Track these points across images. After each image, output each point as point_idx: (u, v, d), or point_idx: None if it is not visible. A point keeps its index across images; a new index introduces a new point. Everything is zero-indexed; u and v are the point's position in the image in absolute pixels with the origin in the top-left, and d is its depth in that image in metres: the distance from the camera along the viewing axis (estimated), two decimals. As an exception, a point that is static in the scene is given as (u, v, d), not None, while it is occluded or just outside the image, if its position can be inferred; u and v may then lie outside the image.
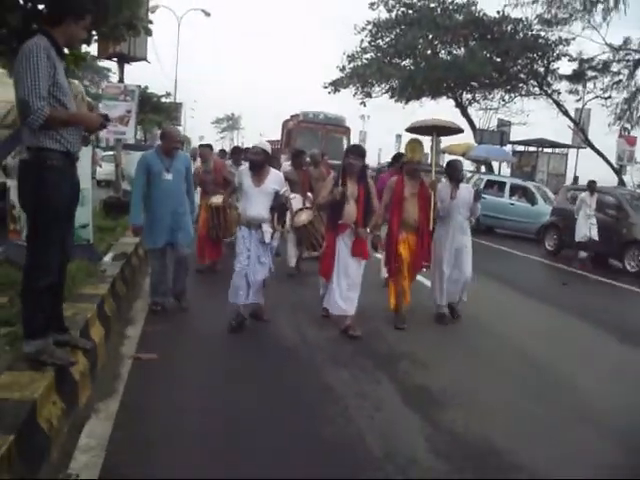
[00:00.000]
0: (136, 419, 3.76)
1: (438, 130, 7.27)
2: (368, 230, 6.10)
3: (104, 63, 22.69)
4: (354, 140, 24.14)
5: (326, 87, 31.45)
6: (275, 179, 5.90)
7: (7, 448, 2.53)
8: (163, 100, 28.06)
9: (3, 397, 2.99)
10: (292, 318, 6.49)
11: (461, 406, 4.43)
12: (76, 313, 4.40)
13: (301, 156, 9.20)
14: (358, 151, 6.09)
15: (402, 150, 9.32)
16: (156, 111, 25.18)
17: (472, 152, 22.56)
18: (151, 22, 8.08)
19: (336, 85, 31.07)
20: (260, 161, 5.77)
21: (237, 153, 10.44)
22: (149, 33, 8.38)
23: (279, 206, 5.90)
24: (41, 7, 6.34)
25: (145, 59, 13.01)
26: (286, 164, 9.83)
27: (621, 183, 24.16)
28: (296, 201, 8.33)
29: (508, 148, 27.97)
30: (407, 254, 6.44)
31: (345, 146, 19.48)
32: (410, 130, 7.38)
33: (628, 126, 24.54)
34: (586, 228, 12.14)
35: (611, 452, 3.94)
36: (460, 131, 7.77)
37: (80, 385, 3.78)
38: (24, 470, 2.68)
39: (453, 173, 6.93)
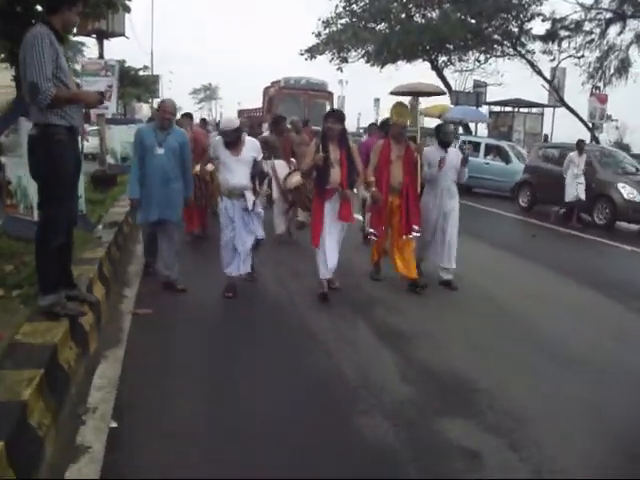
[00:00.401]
0: (140, 362, 4.25)
1: (420, 93, 7.45)
2: (355, 191, 6.24)
3: (78, 38, 22.53)
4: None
5: (302, 54, 31.55)
6: (252, 147, 5.94)
7: (39, 380, 3.01)
8: (141, 73, 28.14)
9: (28, 342, 3.46)
10: (277, 275, 6.92)
11: (431, 344, 4.98)
12: (80, 274, 4.83)
13: (281, 122, 9.25)
14: (336, 115, 6.11)
15: (381, 113, 9.99)
16: (134, 85, 25.28)
17: (448, 114, 22.84)
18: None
19: (312, 52, 31.16)
20: (235, 139, 5.79)
21: (202, 122, 10.90)
22: (127, 10, 8.69)
23: (259, 173, 6.02)
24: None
25: (123, 34, 13.21)
26: (267, 132, 9.92)
27: (595, 140, 24.75)
28: (281, 166, 8.51)
29: (484, 109, 28.35)
30: (391, 218, 6.59)
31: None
32: (394, 93, 7.47)
33: (600, 84, 25.03)
34: (574, 188, 12.43)
35: (555, 372, 4.53)
36: (442, 93, 8.09)
37: (89, 335, 4.27)
38: (53, 399, 3.17)
39: (444, 137, 6.94)
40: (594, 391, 4.23)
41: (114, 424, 3.38)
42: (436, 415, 3.71)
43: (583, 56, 26.31)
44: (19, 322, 3.90)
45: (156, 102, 37.17)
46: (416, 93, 7.38)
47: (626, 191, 12.55)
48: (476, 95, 27.76)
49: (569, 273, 7.88)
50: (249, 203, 5.80)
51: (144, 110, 43.97)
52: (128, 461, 3.04)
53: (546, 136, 28.24)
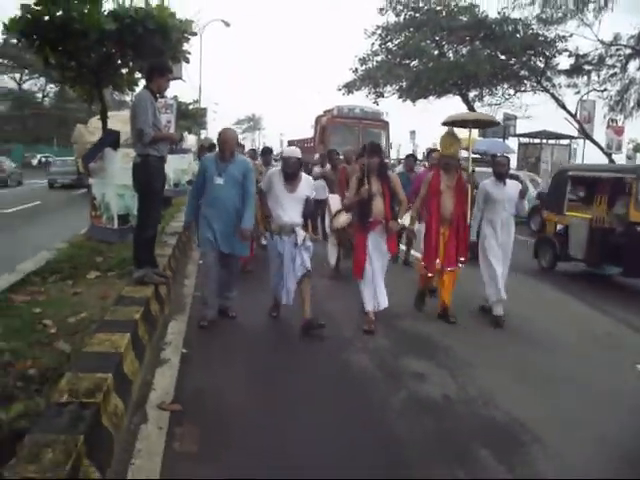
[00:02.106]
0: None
1: (473, 123, 7.35)
2: (399, 221, 6.25)
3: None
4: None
5: (340, 89, 33.69)
6: (307, 184, 5.94)
7: (142, 311, 4.83)
8: (190, 107, 30.66)
9: (130, 296, 5.30)
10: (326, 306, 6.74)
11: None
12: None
13: (334, 155, 9.22)
14: (373, 148, 6.13)
15: (418, 144, 10.85)
16: (185, 117, 27.65)
17: (474, 146, 24.44)
18: (189, 53, 10.29)
19: (349, 87, 33.31)
20: (297, 172, 5.83)
21: (268, 154, 10.27)
22: (187, 61, 10.61)
23: (310, 212, 6.10)
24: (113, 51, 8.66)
25: (181, 78, 15.40)
26: (316, 168, 10.29)
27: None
28: (335, 201, 8.29)
29: (513, 141, 29.81)
30: (444, 249, 6.56)
31: (384, 141, 20.02)
32: (446, 124, 7.30)
33: (617, 117, 26.37)
34: None
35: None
36: (496, 123, 8.04)
37: (165, 299, 6.10)
38: (148, 326, 4.98)
39: (498, 168, 6.82)
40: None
41: (184, 350, 5.16)
42: (405, 356, 5.35)
43: (606, 90, 27.74)
44: (120, 287, 5.76)
45: (203, 133, 39.91)
46: (468, 123, 7.25)
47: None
48: (503, 128, 29.25)
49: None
50: (299, 239, 5.80)
51: (189, 140, 46.86)
52: (194, 369, 4.80)
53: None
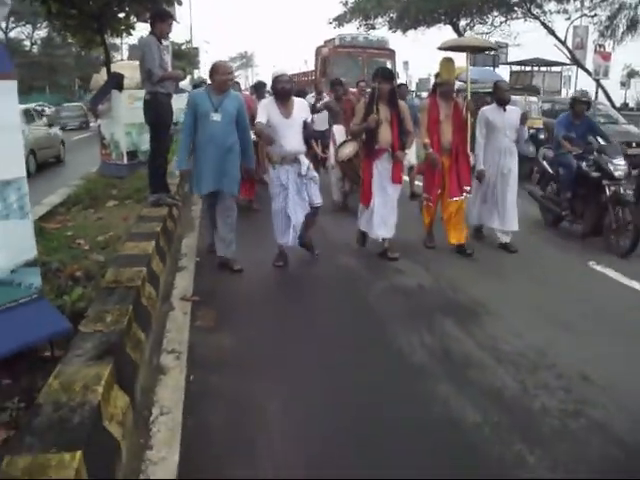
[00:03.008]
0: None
1: (470, 48, 7.15)
2: (406, 152, 6.14)
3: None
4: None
5: (331, 22, 33.64)
6: (302, 107, 5.73)
7: (162, 226, 5.70)
8: (183, 47, 30.88)
9: (149, 215, 6.17)
10: (332, 248, 6.67)
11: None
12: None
13: (339, 85, 8.88)
14: (385, 74, 5.91)
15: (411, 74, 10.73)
16: (178, 58, 27.91)
17: (463, 74, 24.78)
18: (183, -4, 10.81)
19: (340, 20, 33.26)
20: (290, 89, 5.60)
21: (261, 87, 10.03)
22: (180, 3, 11.19)
23: (314, 133, 5.85)
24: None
25: (175, 20, 15.68)
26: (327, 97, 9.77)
27: (607, 97, 26.50)
28: (339, 132, 8.20)
29: (505, 69, 30.06)
30: (443, 179, 6.45)
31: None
32: (442, 49, 7.13)
33: (604, 43, 26.59)
34: None
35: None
36: (493, 48, 8.35)
37: (177, 219, 6.99)
38: (167, 239, 5.86)
39: (500, 94, 6.66)
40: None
41: (198, 259, 6.06)
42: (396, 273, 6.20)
43: (596, 15, 27.83)
44: (138, 210, 6.62)
45: (196, 72, 40.00)
46: (465, 48, 7.00)
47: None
48: (493, 56, 29.42)
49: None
50: (303, 167, 5.57)
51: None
52: (207, 272, 5.69)
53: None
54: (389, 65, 18.77)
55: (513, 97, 12.01)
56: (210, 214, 5.97)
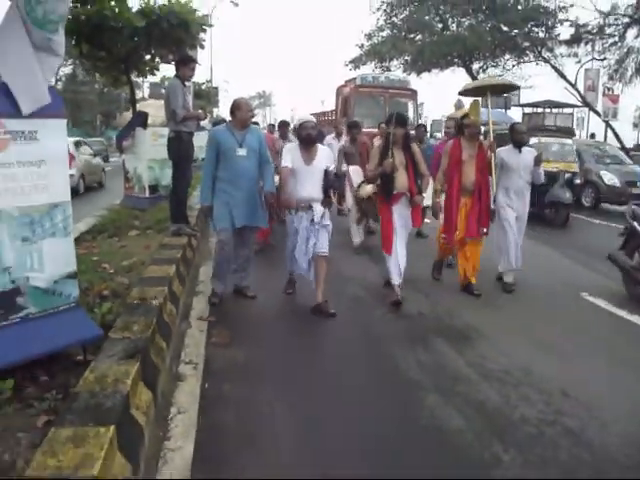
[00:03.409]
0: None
1: (492, 89, 7.08)
2: (424, 195, 6.13)
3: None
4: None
5: (347, 65, 34.53)
6: (325, 155, 5.70)
7: (182, 253, 6.19)
8: (203, 87, 31.95)
9: (170, 243, 6.67)
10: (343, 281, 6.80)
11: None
12: (186, 221, 8.05)
13: (356, 127, 8.91)
14: (399, 119, 5.93)
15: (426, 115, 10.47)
16: (198, 97, 28.91)
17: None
18: (204, 40, 11.54)
19: (356, 62, 34.01)
20: (315, 136, 5.62)
21: (285, 126, 10.17)
22: (202, 47, 11.90)
23: (332, 182, 5.74)
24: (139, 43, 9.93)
25: (197, 62, 16.56)
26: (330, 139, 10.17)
27: (616, 137, 26.97)
28: (356, 173, 8.20)
29: (517, 110, 30.70)
30: (463, 222, 6.46)
31: (412, 113, 18.66)
32: (463, 93, 7.24)
33: (613, 86, 27.20)
34: None
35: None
36: (516, 87, 8.14)
37: (196, 249, 7.47)
38: (186, 266, 6.33)
39: (516, 136, 6.79)
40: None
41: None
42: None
43: (605, 58, 28.48)
44: (159, 239, 7.13)
45: (216, 111, 41.17)
46: (486, 89, 7.00)
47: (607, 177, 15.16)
48: (504, 98, 30.10)
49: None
50: (316, 215, 5.56)
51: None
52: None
53: (593, 135, 30.33)
54: (411, 106, 18.77)
55: (547, 139, 13.09)
56: (229, 252, 5.76)
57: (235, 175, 5.52)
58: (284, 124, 10.41)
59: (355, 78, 19.40)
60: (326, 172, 5.58)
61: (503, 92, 8.80)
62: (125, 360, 3.34)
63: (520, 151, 6.74)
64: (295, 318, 5.71)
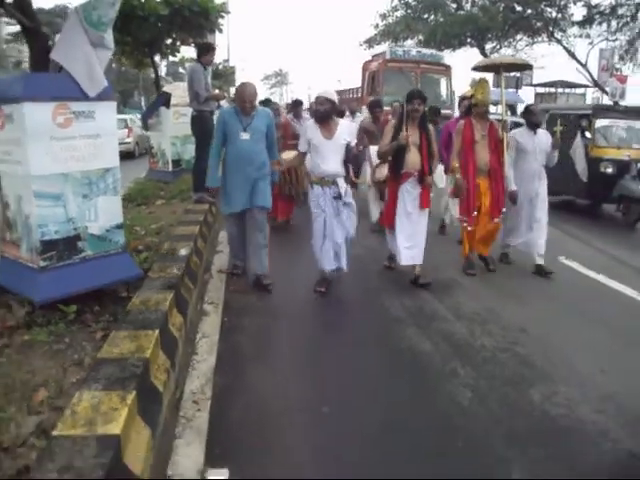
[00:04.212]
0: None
1: (505, 67, 6.88)
2: (433, 176, 6.03)
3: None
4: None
5: (361, 45, 35.07)
6: (345, 129, 5.55)
7: (203, 217, 7.10)
8: (220, 67, 32.70)
9: (194, 209, 7.60)
10: (366, 265, 6.84)
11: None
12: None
13: (378, 106, 8.74)
14: (422, 96, 5.73)
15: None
16: (216, 77, 29.68)
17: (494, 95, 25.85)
18: (222, 25, 12.35)
19: (370, 42, 34.56)
20: (326, 111, 5.44)
21: (298, 106, 10.20)
22: (221, 31, 12.72)
23: (353, 158, 5.63)
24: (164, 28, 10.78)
25: (215, 44, 17.43)
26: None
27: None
28: (375, 153, 7.61)
29: (525, 91, 31.21)
30: (480, 201, 6.36)
31: (446, 90, 17.63)
32: (477, 69, 7.05)
33: (621, 67, 27.58)
34: None
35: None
36: (529, 66, 7.54)
37: (214, 215, 8.39)
38: (207, 228, 7.25)
39: (533, 118, 6.65)
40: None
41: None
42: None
43: (616, 39, 28.81)
44: (183, 206, 8.06)
45: (232, 90, 41.87)
46: (500, 67, 6.87)
47: None
48: (515, 78, 30.56)
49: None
50: (341, 190, 5.50)
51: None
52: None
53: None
54: (444, 82, 17.63)
55: (616, 122, 10.54)
56: (237, 234, 5.92)
57: (237, 158, 5.52)
58: (296, 103, 10.53)
59: (384, 52, 17.80)
60: (347, 146, 5.49)
61: (516, 70, 8.62)
62: (162, 291, 4.26)
63: (535, 132, 6.61)
64: (306, 275, 6.40)
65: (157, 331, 3.53)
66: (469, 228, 6.46)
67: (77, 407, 2.67)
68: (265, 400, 3.73)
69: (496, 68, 6.95)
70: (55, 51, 4.19)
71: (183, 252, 5.42)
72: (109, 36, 4.28)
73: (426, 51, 18.23)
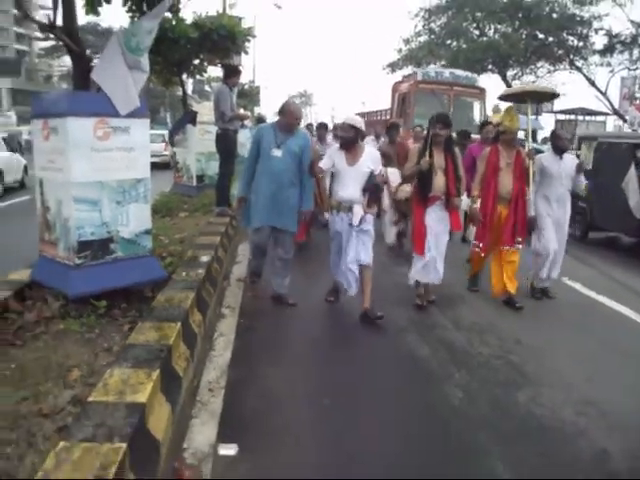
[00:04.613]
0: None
1: (532, 96, 6.88)
2: (462, 199, 6.09)
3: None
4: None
5: (384, 68, 35.73)
6: (370, 157, 5.53)
7: (224, 230, 7.55)
8: (245, 87, 33.55)
9: (216, 222, 8.05)
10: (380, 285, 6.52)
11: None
12: (227, 205, 9.44)
13: (395, 129, 8.82)
14: (445, 120, 5.76)
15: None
16: (241, 96, 30.48)
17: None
18: (249, 47, 12.94)
19: (393, 66, 35.26)
20: (350, 138, 5.44)
21: (322, 129, 10.34)
22: (247, 53, 13.30)
23: (373, 186, 5.57)
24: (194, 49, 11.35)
25: (241, 65, 18.10)
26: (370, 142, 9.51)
27: None
28: (395, 175, 7.96)
29: (545, 117, 31.53)
30: (500, 229, 6.32)
31: (479, 113, 17.11)
32: (503, 98, 7.10)
33: (641, 95, 27.88)
34: None
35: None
36: (555, 96, 7.41)
37: (235, 228, 8.84)
38: (228, 240, 7.70)
39: (558, 142, 6.61)
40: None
41: (251, 257, 7.83)
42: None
43: (637, 68, 29.10)
44: (206, 219, 8.52)
45: (257, 109, 42.88)
46: (527, 95, 6.83)
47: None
48: (536, 105, 30.89)
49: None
50: (355, 218, 5.48)
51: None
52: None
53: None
54: (478, 106, 17.12)
55: None
56: (260, 250, 5.94)
57: (267, 174, 5.53)
58: (321, 126, 10.65)
59: (415, 72, 17.50)
60: (371, 174, 5.48)
61: (543, 100, 8.49)
62: (185, 290, 4.69)
63: (561, 157, 6.57)
64: (319, 286, 6.59)
65: (179, 324, 3.94)
66: (480, 253, 6.49)
67: (109, 381, 3.08)
68: (274, 392, 4.12)
69: (523, 98, 6.89)
70: (95, 72, 4.68)
71: (204, 259, 5.85)
72: (145, 60, 4.76)
73: (459, 72, 17.48)
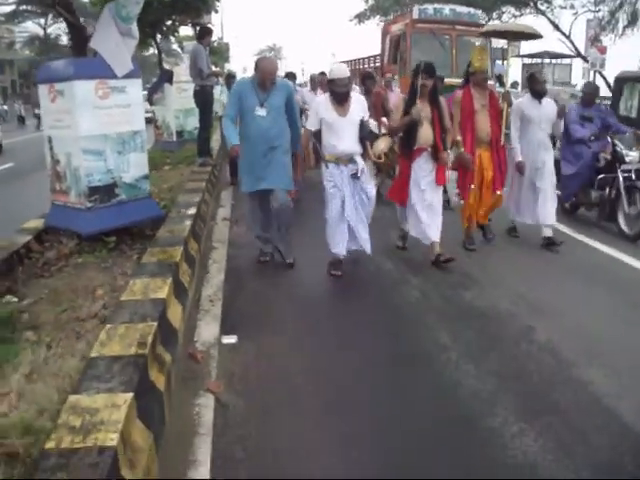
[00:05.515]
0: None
1: (514, 35, 6.64)
2: (449, 152, 5.85)
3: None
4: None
5: (351, 20, 35.74)
6: (359, 105, 5.37)
7: (208, 176, 8.35)
8: (214, 44, 33.59)
9: (199, 170, 8.83)
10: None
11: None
12: (208, 157, 10.19)
13: (371, 78, 8.57)
14: (429, 70, 5.52)
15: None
16: (211, 53, 30.64)
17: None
18: (218, 6, 13.46)
19: (360, 17, 35.20)
20: (347, 92, 5.28)
21: (291, 78, 10.24)
22: (217, 12, 13.84)
23: (369, 134, 5.48)
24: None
25: (210, 24, 18.51)
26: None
27: (608, 86, 28.47)
28: (371, 127, 7.15)
29: (512, 62, 32.04)
30: (482, 173, 6.14)
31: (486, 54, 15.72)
32: (485, 34, 6.80)
33: (602, 37, 28.59)
34: None
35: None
36: (538, 36, 6.82)
37: (217, 176, 9.62)
38: (212, 186, 8.50)
39: (538, 86, 6.41)
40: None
41: (233, 202, 8.64)
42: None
43: (599, 10, 29.77)
44: (189, 170, 9.29)
45: (227, 66, 42.86)
46: (507, 34, 6.62)
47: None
48: (502, 50, 31.37)
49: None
50: (359, 168, 5.31)
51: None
52: (240, 207, 8.24)
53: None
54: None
55: None
56: (257, 213, 5.74)
57: (253, 136, 5.29)
58: (290, 76, 10.66)
59: (410, 11, 14.88)
60: (362, 122, 5.33)
61: (524, 39, 7.84)
62: (182, 224, 5.54)
63: (540, 102, 6.37)
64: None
65: (182, 247, 4.80)
66: (465, 199, 6.27)
67: (133, 287, 3.94)
68: (262, 297, 5.06)
69: (504, 35, 6.67)
70: (93, 40, 5.39)
71: (195, 199, 6.67)
72: (135, 27, 5.47)
73: (462, 9, 14.89)
